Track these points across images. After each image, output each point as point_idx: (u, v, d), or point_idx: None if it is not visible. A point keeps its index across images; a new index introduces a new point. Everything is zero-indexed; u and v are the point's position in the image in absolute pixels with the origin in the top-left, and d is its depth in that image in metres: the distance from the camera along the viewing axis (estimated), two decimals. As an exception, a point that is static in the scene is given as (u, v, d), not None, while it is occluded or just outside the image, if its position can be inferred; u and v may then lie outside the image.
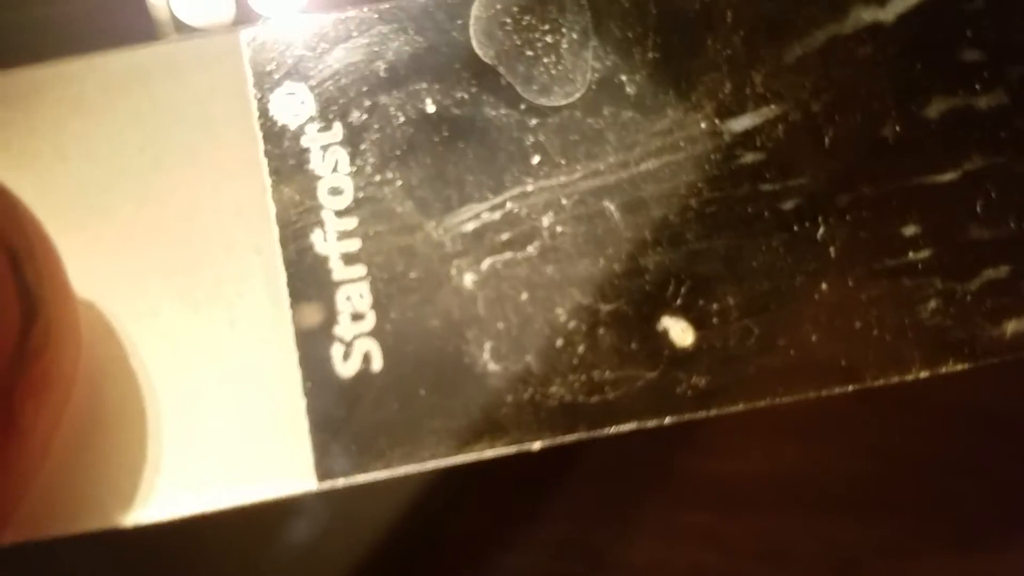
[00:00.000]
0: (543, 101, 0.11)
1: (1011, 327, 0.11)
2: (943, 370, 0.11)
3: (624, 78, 0.11)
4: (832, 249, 0.11)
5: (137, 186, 0.11)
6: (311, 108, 0.11)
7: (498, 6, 0.11)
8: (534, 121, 0.11)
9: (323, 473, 0.11)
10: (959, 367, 0.11)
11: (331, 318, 0.11)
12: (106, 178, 0.11)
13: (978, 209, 0.11)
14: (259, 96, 0.11)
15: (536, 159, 0.11)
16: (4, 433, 0.10)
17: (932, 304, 0.11)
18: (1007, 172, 0.11)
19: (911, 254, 0.11)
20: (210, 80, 0.11)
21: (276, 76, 0.11)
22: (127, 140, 0.11)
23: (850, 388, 0.11)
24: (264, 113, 0.11)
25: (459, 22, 0.11)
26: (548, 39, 0.11)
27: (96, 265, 0.11)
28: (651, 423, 0.11)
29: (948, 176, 0.11)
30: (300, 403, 0.11)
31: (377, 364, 0.11)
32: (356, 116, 0.11)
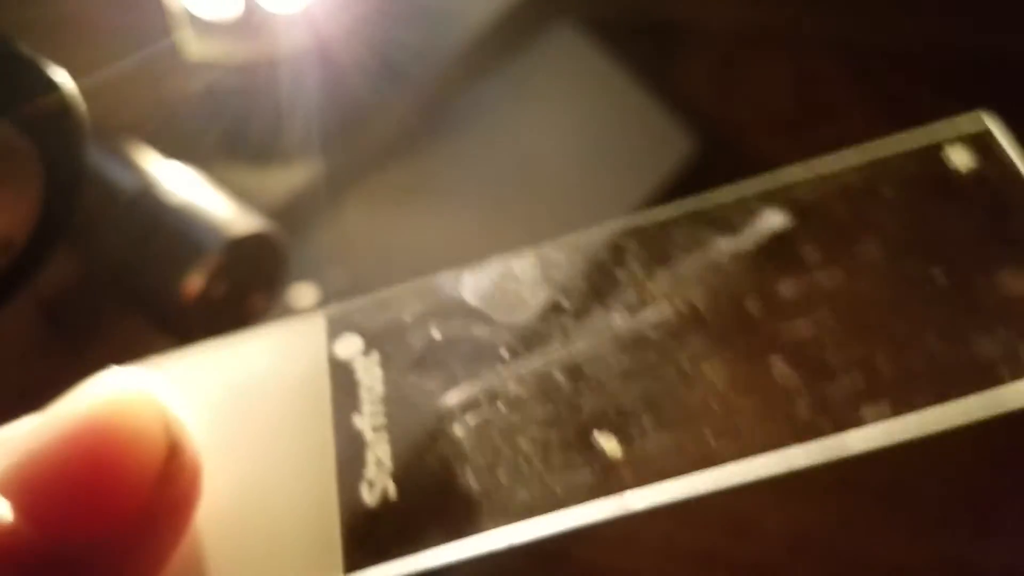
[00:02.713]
0: (508, 320, 0.17)
1: (866, 411, 0.14)
2: (815, 448, 0.14)
3: (561, 299, 0.17)
4: (715, 380, 0.15)
5: None
6: (360, 344, 0.17)
7: (489, 275, 0.17)
8: (503, 332, 0.17)
9: (349, 568, 0.15)
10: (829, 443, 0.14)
11: (361, 465, 0.16)
12: None
13: (824, 342, 0.15)
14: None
15: (504, 353, 0.16)
16: (142, 535, 0.15)
17: (802, 405, 0.15)
18: (847, 318, 0.15)
19: (779, 377, 0.15)
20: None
21: (340, 330, 0.17)
22: None
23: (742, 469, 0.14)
24: (331, 353, 0.17)
25: (457, 280, 0.17)
26: (512, 287, 0.17)
27: None
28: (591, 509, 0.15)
29: (802, 326, 0.16)
30: (336, 522, 0.15)
31: (392, 494, 0.15)
32: (388, 345, 0.17)
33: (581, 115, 0.46)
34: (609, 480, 0.15)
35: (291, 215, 0.38)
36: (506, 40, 0.46)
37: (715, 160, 0.45)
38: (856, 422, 0.14)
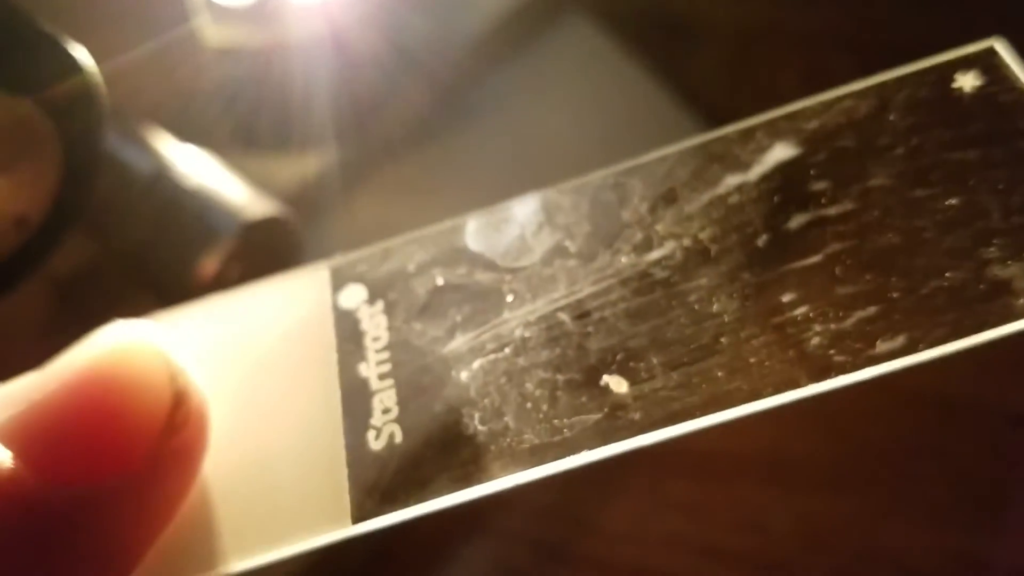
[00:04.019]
0: (513, 264, 0.17)
1: (881, 346, 0.14)
2: (827, 383, 0.14)
3: (568, 243, 0.16)
4: (725, 317, 0.15)
5: None
6: (364, 294, 0.17)
7: (492, 220, 0.17)
8: (508, 277, 0.16)
9: (358, 517, 0.15)
10: (841, 380, 0.14)
11: (367, 413, 0.16)
12: None
13: (838, 273, 0.15)
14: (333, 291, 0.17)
15: (510, 298, 0.16)
16: (149, 485, 0.15)
17: (815, 340, 0.14)
18: (858, 249, 0.15)
19: (791, 312, 0.15)
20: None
21: (344, 281, 0.17)
22: None
23: (752, 406, 0.14)
24: (335, 303, 0.17)
25: (460, 227, 0.17)
26: (516, 232, 0.17)
27: None
28: (600, 451, 0.14)
29: (813, 259, 0.15)
30: (343, 470, 0.15)
31: (399, 439, 0.15)
32: (392, 294, 0.17)
33: (593, 106, 0.46)
34: (618, 420, 0.15)
35: (305, 201, 0.38)
36: (519, 31, 0.46)
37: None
38: (871, 357, 0.14)
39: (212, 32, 0.37)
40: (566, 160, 0.43)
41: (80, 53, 0.25)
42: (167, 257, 0.33)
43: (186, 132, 0.34)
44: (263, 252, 0.34)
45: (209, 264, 0.33)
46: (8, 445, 0.14)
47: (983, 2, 0.42)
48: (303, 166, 0.39)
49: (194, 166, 0.34)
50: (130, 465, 0.14)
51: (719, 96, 0.47)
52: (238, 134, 0.39)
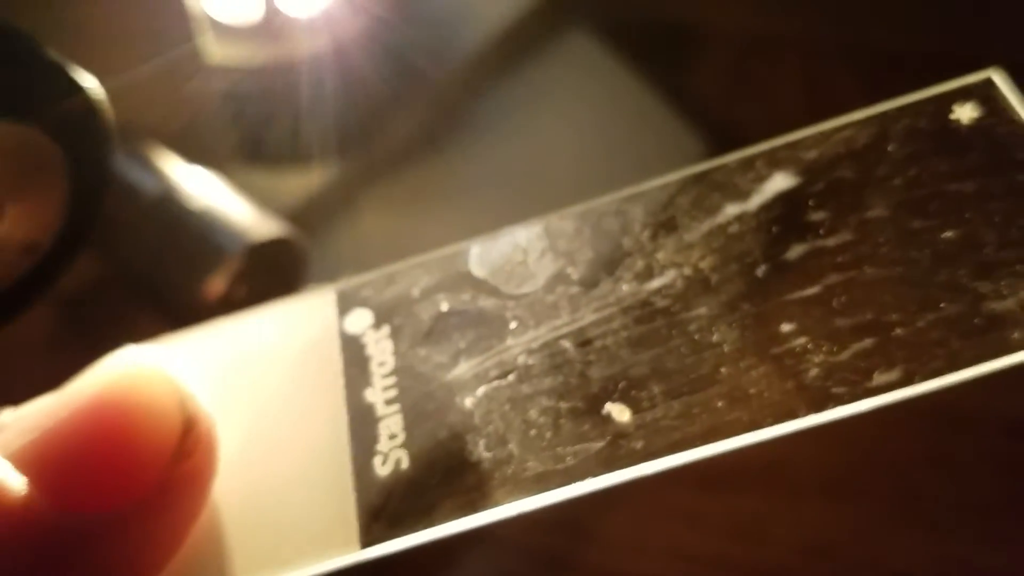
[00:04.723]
0: (516, 291, 0.17)
1: (878, 378, 0.14)
2: (825, 415, 0.14)
3: (570, 270, 0.17)
4: (725, 347, 0.15)
5: None
6: (370, 318, 0.17)
7: (496, 246, 0.17)
8: (511, 303, 0.17)
9: (366, 542, 0.15)
10: (839, 411, 0.14)
11: (374, 439, 0.16)
12: None
13: (835, 305, 0.15)
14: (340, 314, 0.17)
15: (513, 325, 0.16)
16: (159, 510, 0.15)
17: (813, 372, 0.15)
18: (856, 281, 0.15)
19: (789, 343, 0.15)
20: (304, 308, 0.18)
21: (350, 305, 0.18)
22: None
23: (752, 436, 0.14)
24: (342, 328, 0.17)
25: (464, 253, 0.18)
26: (518, 258, 0.17)
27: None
28: (603, 479, 0.15)
29: (811, 290, 0.15)
30: (351, 495, 0.15)
31: (405, 465, 0.15)
32: (397, 319, 0.17)
33: (595, 117, 0.46)
34: (620, 449, 0.15)
35: (310, 217, 0.38)
36: (521, 43, 0.46)
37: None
38: (869, 389, 0.14)
39: (216, 50, 0.37)
40: (569, 173, 0.43)
41: (85, 77, 0.26)
42: (172, 277, 0.33)
43: (191, 149, 0.35)
44: (269, 272, 0.35)
45: (215, 284, 0.33)
46: (23, 471, 0.14)
47: (986, 11, 0.42)
48: (308, 182, 0.40)
49: (200, 186, 0.34)
50: (141, 491, 0.15)
51: (721, 112, 0.47)
52: (243, 151, 0.39)
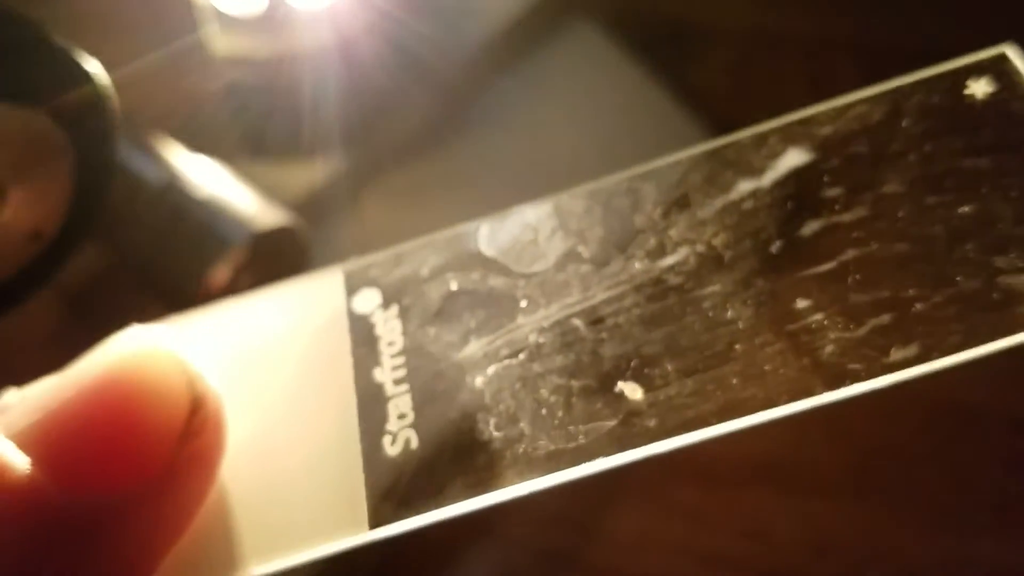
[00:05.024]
0: (526, 270, 0.17)
1: (895, 354, 0.14)
2: (842, 392, 0.14)
3: (581, 248, 0.17)
4: (740, 323, 0.15)
5: None
6: (378, 298, 0.17)
7: (506, 225, 0.17)
8: (521, 282, 0.16)
9: (375, 523, 0.15)
10: (856, 388, 0.14)
11: (383, 419, 0.16)
12: None
13: (852, 280, 0.15)
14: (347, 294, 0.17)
15: (524, 304, 0.16)
16: (167, 491, 0.15)
17: (829, 348, 0.14)
18: (872, 256, 0.15)
19: (805, 319, 0.15)
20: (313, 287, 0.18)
21: (358, 285, 0.17)
22: None
23: (767, 414, 0.14)
24: (350, 308, 0.17)
25: (474, 232, 0.17)
26: (528, 237, 0.17)
27: None
28: (615, 458, 0.14)
29: (827, 266, 0.15)
30: (359, 476, 0.15)
31: (414, 445, 0.15)
32: (406, 299, 0.17)
33: (598, 112, 0.46)
34: (634, 427, 0.15)
35: (313, 209, 0.38)
36: (525, 37, 0.46)
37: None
38: (886, 365, 0.14)
39: (221, 41, 0.37)
40: (573, 165, 0.43)
41: (91, 64, 0.25)
42: (176, 267, 0.33)
43: (195, 141, 0.34)
44: (273, 262, 0.34)
45: (219, 274, 0.33)
46: (27, 452, 0.14)
47: (993, 6, 0.42)
48: (312, 173, 0.40)
49: (204, 176, 0.34)
50: (148, 472, 0.15)
51: (725, 101, 0.47)
52: (247, 142, 0.39)
